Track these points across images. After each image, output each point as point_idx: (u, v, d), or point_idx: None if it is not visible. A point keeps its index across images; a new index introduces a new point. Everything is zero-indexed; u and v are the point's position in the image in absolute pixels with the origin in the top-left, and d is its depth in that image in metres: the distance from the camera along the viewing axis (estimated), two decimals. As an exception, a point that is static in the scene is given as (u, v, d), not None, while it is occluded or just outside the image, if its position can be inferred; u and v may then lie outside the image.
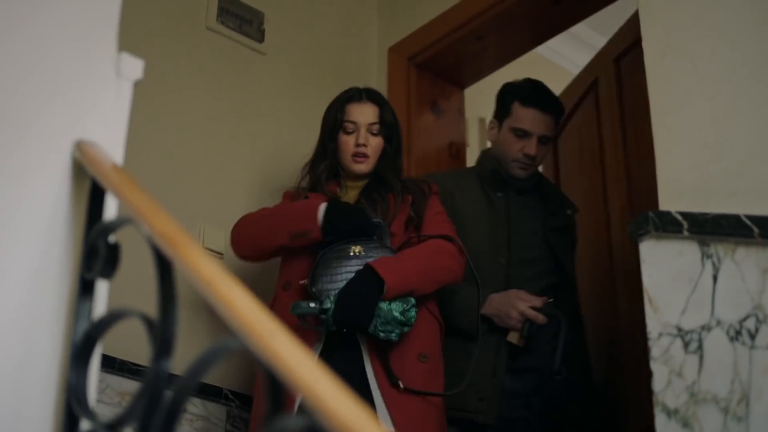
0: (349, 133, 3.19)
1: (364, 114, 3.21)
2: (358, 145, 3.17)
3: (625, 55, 4.00)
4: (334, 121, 3.23)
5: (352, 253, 2.94)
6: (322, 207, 2.99)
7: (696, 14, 2.65)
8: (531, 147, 3.44)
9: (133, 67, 1.77)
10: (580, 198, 3.99)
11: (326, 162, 3.21)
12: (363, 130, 3.19)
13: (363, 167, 3.19)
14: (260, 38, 4.06)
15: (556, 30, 4.13)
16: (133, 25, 2.56)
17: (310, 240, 2.99)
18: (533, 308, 3.17)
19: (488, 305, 3.21)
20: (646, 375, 2.33)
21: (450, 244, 3.06)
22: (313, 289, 2.90)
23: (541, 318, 3.16)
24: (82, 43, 1.74)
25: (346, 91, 3.31)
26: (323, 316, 2.82)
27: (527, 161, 3.46)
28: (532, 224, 3.47)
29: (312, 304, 2.83)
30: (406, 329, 2.84)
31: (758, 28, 2.54)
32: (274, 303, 3.07)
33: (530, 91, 3.52)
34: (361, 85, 3.35)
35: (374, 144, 3.19)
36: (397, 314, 2.81)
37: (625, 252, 3.71)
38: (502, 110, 3.55)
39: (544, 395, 3.24)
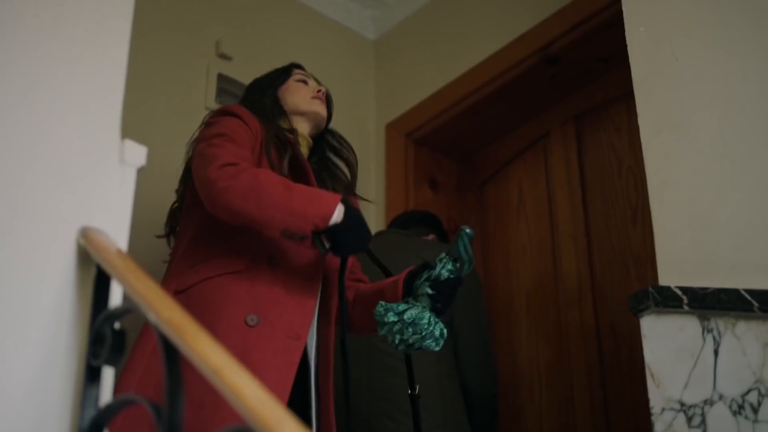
0: (301, 82, 2.91)
1: (311, 78, 2.97)
2: (317, 91, 2.88)
3: (586, 114, 4.06)
4: (281, 75, 2.92)
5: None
6: (339, 210, 2.36)
7: (691, 89, 2.67)
8: None
9: (137, 154, 1.78)
10: (518, 246, 4.14)
11: (275, 113, 2.80)
12: (314, 83, 2.94)
13: (323, 109, 2.87)
14: (259, 117, 4.09)
15: (551, 103, 4.17)
16: (133, 106, 2.57)
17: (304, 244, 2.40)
18: None
19: None
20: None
21: None
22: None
23: None
24: (87, 131, 1.76)
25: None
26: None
27: None
28: None
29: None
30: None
31: (755, 102, 2.56)
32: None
33: None
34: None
35: None
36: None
37: (583, 306, 3.79)
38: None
39: None
